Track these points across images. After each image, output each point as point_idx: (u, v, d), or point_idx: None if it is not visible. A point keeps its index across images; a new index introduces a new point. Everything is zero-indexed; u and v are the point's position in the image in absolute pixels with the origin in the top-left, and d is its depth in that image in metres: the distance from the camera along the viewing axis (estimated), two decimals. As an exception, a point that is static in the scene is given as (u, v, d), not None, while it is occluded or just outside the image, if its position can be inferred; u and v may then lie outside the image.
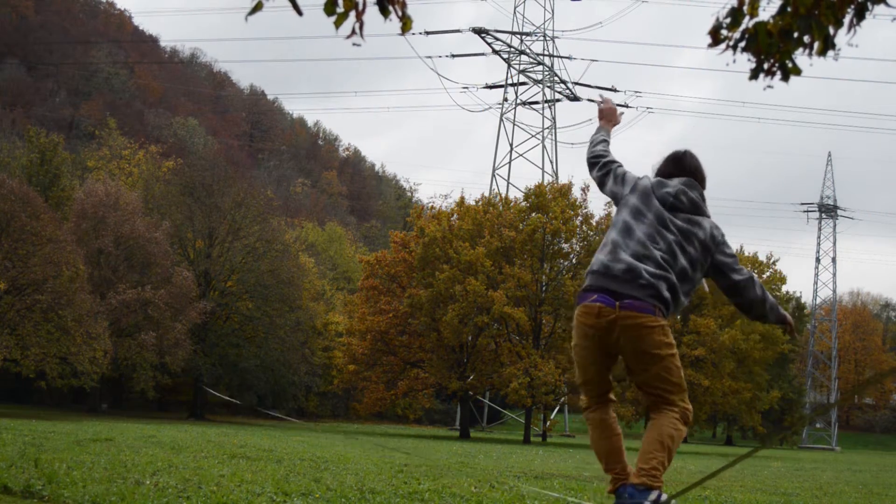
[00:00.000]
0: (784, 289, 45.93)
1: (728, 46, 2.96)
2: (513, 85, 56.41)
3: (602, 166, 4.66)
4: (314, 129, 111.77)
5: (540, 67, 56.34)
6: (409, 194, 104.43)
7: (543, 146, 55.90)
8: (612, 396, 4.36)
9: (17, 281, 29.20)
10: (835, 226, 68.30)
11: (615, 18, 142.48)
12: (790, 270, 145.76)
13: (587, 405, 4.37)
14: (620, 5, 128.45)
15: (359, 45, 2.86)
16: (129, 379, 35.14)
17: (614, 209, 4.52)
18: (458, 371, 33.75)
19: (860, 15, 2.89)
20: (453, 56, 55.37)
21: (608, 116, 4.96)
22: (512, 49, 55.63)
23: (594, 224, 34.15)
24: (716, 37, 2.96)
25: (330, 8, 2.77)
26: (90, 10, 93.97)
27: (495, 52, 55.14)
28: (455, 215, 35.23)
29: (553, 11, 56.25)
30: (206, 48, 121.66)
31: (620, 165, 4.63)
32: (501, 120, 56.04)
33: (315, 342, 45.59)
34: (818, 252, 68.47)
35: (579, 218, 34.11)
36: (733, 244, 4.47)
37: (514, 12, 56.19)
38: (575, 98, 56.68)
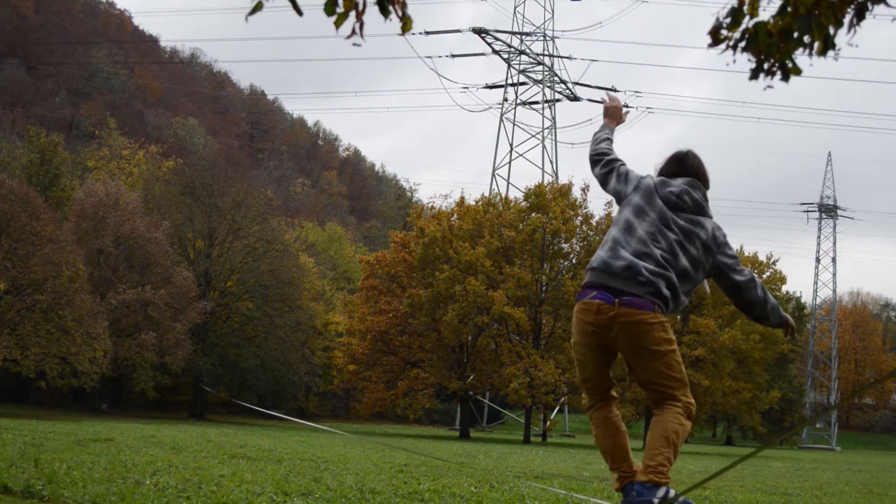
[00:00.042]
0: (784, 289, 45.88)
1: (728, 46, 2.96)
2: (513, 85, 56.45)
3: (605, 164, 4.65)
4: (314, 129, 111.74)
5: (540, 67, 56.38)
6: (409, 194, 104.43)
7: (543, 146, 55.95)
8: (614, 394, 4.36)
9: (17, 281, 29.21)
10: (835, 226, 68.37)
11: (615, 18, 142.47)
12: (790, 270, 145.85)
13: (590, 404, 4.37)
14: (620, 5, 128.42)
15: (359, 45, 2.86)
16: (129, 379, 35.15)
17: (615, 209, 4.53)
18: (458, 371, 33.76)
19: (860, 15, 2.89)
20: (453, 56, 55.41)
21: (613, 114, 4.94)
22: (512, 49, 55.65)
23: (594, 224, 34.19)
24: (716, 37, 2.96)
25: (330, 8, 2.77)
26: (90, 10, 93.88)
27: (495, 52, 55.16)
28: (455, 215, 35.24)
29: (553, 11, 56.32)
30: (206, 48, 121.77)
31: (623, 164, 4.63)
32: (501, 120, 56.09)
33: (315, 342, 45.60)
34: (818, 252, 68.56)
35: (579, 218, 34.14)
36: (733, 244, 4.49)
37: (514, 12, 56.24)
38: (575, 98, 56.70)
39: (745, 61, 2.97)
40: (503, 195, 39.06)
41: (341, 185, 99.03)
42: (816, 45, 2.88)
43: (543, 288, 33.49)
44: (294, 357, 40.86)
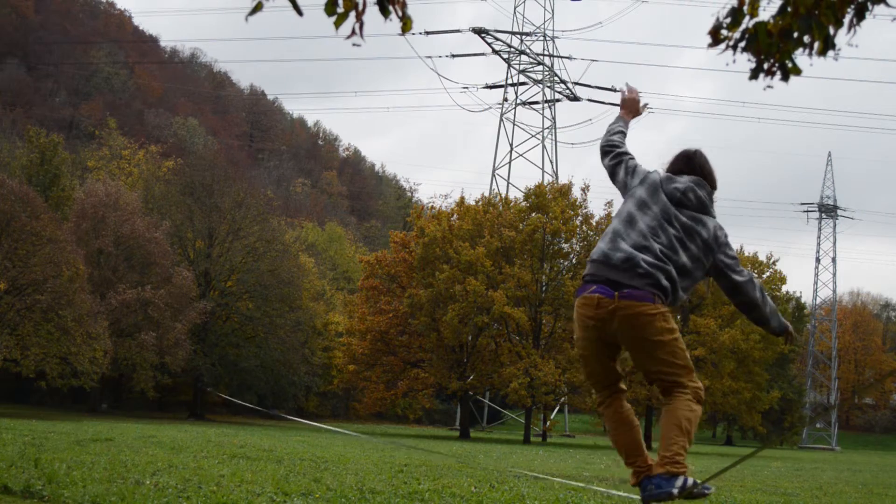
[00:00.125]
0: (784, 289, 45.87)
1: (728, 46, 2.96)
2: (513, 85, 56.42)
3: (615, 156, 4.65)
4: (314, 129, 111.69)
5: (540, 67, 56.35)
6: (409, 194, 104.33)
7: (543, 146, 55.93)
8: (622, 386, 4.35)
9: (17, 281, 29.20)
10: (835, 226, 68.36)
11: (615, 18, 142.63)
12: (790, 270, 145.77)
13: (599, 400, 4.36)
14: (620, 5, 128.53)
15: (359, 46, 2.86)
16: (129, 379, 35.13)
17: (615, 209, 4.54)
18: (458, 371, 33.76)
19: (860, 15, 2.89)
20: (453, 56, 55.37)
21: (630, 106, 4.88)
22: (512, 49, 55.63)
23: (594, 224, 34.19)
24: (716, 37, 2.96)
25: (330, 8, 2.77)
26: (90, 10, 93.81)
27: (495, 52, 55.14)
28: (455, 215, 35.25)
29: (553, 11, 56.28)
30: (206, 48, 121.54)
31: (633, 157, 4.63)
32: (501, 120, 56.07)
33: (315, 342, 45.58)
34: (818, 252, 68.54)
35: (579, 218, 34.14)
36: (733, 244, 4.47)
37: (514, 12, 56.21)
38: (575, 98, 56.67)
39: (745, 61, 2.98)
40: (503, 195, 39.06)
41: (341, 185, 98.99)
42: (816, 45, 2.88)
43: (543, 288, 33.49)
44: (294, 357, 40.84)
